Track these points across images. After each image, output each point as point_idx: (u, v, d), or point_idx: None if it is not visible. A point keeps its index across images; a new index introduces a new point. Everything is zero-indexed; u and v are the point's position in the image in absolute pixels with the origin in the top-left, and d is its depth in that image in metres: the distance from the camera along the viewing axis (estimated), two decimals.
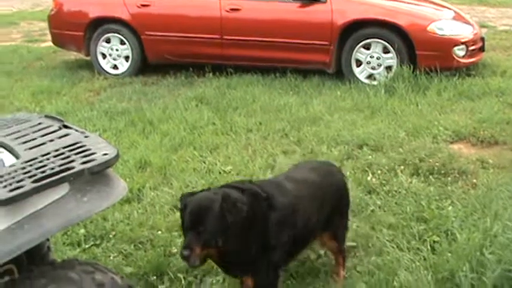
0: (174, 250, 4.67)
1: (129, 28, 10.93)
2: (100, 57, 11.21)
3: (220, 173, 6.20)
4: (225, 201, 3.42)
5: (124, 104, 8.97)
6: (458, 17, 10.27)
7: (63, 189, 2.64)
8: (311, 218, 3.91)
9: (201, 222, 3.37)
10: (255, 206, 3.57)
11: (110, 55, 11.16)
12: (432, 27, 9.46)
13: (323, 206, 4.02)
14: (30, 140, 3.00)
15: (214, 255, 3.52)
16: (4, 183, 2.50)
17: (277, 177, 4.24)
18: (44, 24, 13.98)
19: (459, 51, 9.50)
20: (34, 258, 3.35)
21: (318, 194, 4.01)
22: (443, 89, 8.71)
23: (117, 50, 11.12)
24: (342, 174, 4.47)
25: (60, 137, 3.01)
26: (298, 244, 3.93)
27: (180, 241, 4.81)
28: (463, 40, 9.57)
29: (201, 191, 3.70)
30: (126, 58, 11.10)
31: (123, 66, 11.13)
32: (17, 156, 2.82)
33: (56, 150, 2.81)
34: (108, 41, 11.15)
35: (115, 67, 11.20)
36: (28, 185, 2.48)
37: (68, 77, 11.05)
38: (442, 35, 9.47)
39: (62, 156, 2.74)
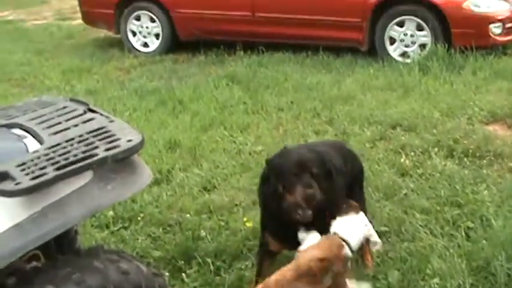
0: (203, 234, 4.62)
1: (159, 5, 10.88)
2: (130, 35, 11.19)
3: (250, 153, 6.13)
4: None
5: (154, 83, 8.94)
6: None
7: (87, 176, 2.58)
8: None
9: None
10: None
11: (140, 33, 11.14)
12: (468, 4, 9.23)
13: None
14: (54, 125, 2.94)
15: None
16: (27, 171, 2.44)
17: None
18: (75, 2, 13.92)
19: (495, 29, 9.28)
20: (61, 243, 3.31)
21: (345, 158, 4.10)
22: (479, 68, 8.51)
23: (147, 27, 11.09)
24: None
25: (85, 122, 2.95)
26: None
27: (209, 224, 4.79)
28: (499, 17, 9.34)
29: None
30: (157, 36, 11.07)
31: (154, 44, 11.11)
32: (40, 142, 2.77)
33: (80, 136, 2.75)
34: (138, 18, 11.12)
35: (145, 45, 11.17)
36: (51, 172, 2.41)
37: (98, 55, 11.06)
38: (478, 12, 9.24)
39: (86, 142, 2.67)
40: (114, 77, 9.65)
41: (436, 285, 3.79)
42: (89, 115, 3.05)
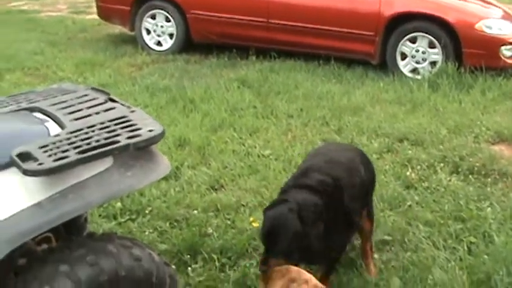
0: (210, 230, 4.70)
1: (175, 5, 10.93)
2: (144, 33, 11.23)
3: (259, 156, 6.19)
4: (302, 219, 3.46)
5: (166, 81, 8.98)
6: (506, 16, 10.08)
7: (107, 162, 2.64)
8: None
9: (276, 243, 3.44)
10: (331, 204, 3.65)
11: (155, 31, 11.18)
12: (480, 25, 9.29)
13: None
14: (76, 111, 3.00)
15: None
16: (49, 153, 2.51)
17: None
18: None
19: (506, 51, 9.33)
20: (71, 228, 3.38)
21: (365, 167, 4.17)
22: (488, 88, 8.55)
23: (161, 26, 11.13)
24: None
25: (106, 110, 3.02)
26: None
27: (215, 222, 4.86)
28: (511, 40, 9.40)
29: (275, 202, 3.70)
30: (170, 35, 11.11)
31: (167, 43, 11.15)
32: (62, 127, 2.83)
33: (102, 123, 2.82)
34: (153, 17, 11.17)
35: (159, 43, 11.21)
36: (73, 155, 2.48)
37: (111, 50, 11.12)
38: (489, 34, 9.29)
39: (108, 129, 2.74)
40: (126, 72, 9.70)
41: None
42: (110, 104, 3.12)
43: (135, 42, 11.35)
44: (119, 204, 5.06)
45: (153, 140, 2.68)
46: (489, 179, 5.75)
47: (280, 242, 3.42)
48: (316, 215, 3.52)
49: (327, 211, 3.58)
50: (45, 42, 11.83)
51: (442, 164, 6.02)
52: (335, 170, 3.85)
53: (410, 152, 6.34)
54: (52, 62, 10.25)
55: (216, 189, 5.49)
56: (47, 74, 9.52)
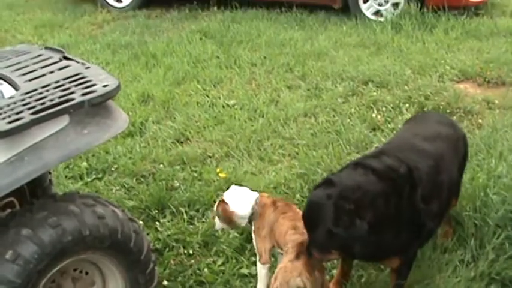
0: (177, 184, 4.70)
1: None
2: None
3: (223, 106, 6.17)
4: (337, 214, 2.88)
5: (127, 38, 8.86)
6: None
7: (63, 121, 2.61)
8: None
9: (312, 233, 3.02)
10: (392, 192, 3.02)
11: None
12: None
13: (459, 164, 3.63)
14: (29, 72, 2.96)
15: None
16: (3, 115, 2.47)
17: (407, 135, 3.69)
18: None
19: None
20: (36, 192, 3.35)
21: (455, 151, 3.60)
22: (451, 27, 8.53)
23: None
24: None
25: (61, 69, 2.97)
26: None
27: (182, 175, 4.85)
28: None
29: (321, 181, 3.15)
30: None
31: None
32: (16, 88, 2.79)
33: (56, 82, 2.78)
34: None
35: (118, 0, 10.98)
36: (27, 116, 2.44)
37: (71, 10, 10.88)
38: None
39: (62, 87, 2.70)
40: (86, 31, 9.56)
41: None
42: (65, 62, 3.07)
43: (94, 0, 11.12)
44: (84, 164, 5.03)
45: (109, 95, 2.65)
46: (454, 117, 5.74)
47: (315, 233, 2.97)
48: (362, 207, 2.88)
49: (388, 204, 2.97)
50: (1, 5, 11.56)
51: (407, 105, 6.03)
52: (412, 158, 3.22)
53: (375, 94, 6.35)
54: (10, 25, 10.07)
55: (181, 142, 5.48)
56: (6, 38, 9.35)
